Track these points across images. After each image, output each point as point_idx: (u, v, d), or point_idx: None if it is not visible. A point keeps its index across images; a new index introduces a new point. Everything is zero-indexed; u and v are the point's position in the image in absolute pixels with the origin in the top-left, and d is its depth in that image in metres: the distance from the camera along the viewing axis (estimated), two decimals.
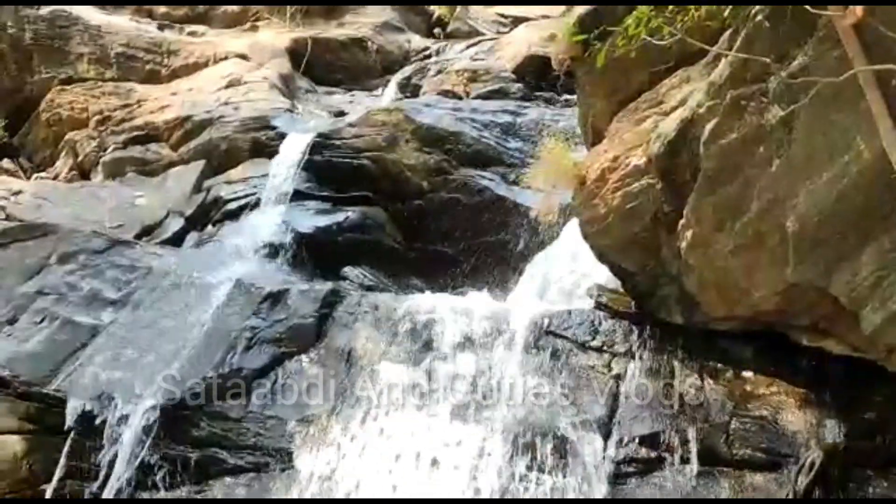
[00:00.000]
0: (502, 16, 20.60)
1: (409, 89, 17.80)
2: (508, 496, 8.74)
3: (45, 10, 17.44)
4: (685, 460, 8.65)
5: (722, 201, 8.02)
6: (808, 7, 6.72)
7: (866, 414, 8.56)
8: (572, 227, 10.55)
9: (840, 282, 7.59)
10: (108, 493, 9.46)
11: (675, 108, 8.48)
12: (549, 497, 8.70)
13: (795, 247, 7.63)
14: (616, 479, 8.74)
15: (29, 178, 16.09)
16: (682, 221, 8.49)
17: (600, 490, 8.70)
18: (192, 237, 13.84)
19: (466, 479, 8.87)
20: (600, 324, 9.86)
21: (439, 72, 17.85)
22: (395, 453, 9.11)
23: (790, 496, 8.17)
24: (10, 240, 11.91)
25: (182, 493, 9.46)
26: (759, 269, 8.11)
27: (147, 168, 15.61)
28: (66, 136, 16.54)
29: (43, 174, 16.35)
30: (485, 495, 8.75)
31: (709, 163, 7.95)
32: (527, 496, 8.76)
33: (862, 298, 7.51)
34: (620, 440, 8.91)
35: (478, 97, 16.47)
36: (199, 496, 9.43)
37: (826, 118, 7.16)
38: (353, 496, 8.95)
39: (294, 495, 9.13)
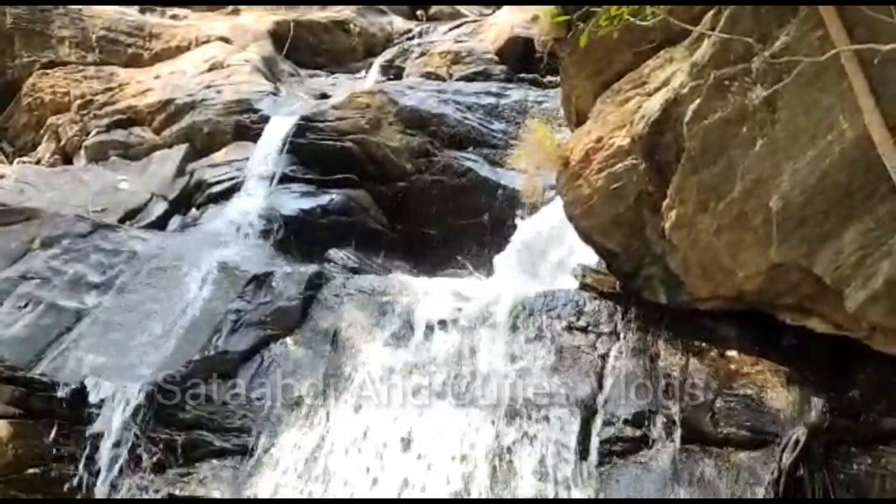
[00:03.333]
0: None
1: (392, 72, 17.78)
2: (495, 476, 8.77)
3: None
4: (670, 439, 8.69)
5: (706, 181, 8.04)
6: None
7: (850, 392, 8.60)
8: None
9: (823, 261, 7.63)
10: (94, 477, 9.46)
11: (658, 89, 8.48)
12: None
13: (779, 226, 7.66)
14: (602, 457, 8.77)
15: (11, 162, 16.02)
16: (666, 202, 8.51)
17: (586, 469, 8.73)
18: (175, 220, 13.82)
19: (453, 459, 8.89)
20: (585, 304, 9.89)
21: (422, 54, 17.84)
22: (381, 433, 9.13)
23: (775, 473, 8.22)
24: None
25: (168, 475, 9.46)
26: (744, 248, 8.14)
27: (130, 152, 15.55)
28: (49, 121, 16.48)
29: (25, 158, 16.28)
30: (471, 475, 8.78)
31: (692, 143, 7.97)
32: (512, 476, 8.80)
33: (845, 277, 7.54)
34: (606, 419, 8.94)
35: (461, 79, 16.49)
36: (185, 479, 9.41)
37: (809, 98, 7.19)
38: (340, 477, 8.97)
39: (280, 476, 9.13)
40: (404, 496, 8.77)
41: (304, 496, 8.97)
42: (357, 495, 8.86)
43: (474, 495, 8.68)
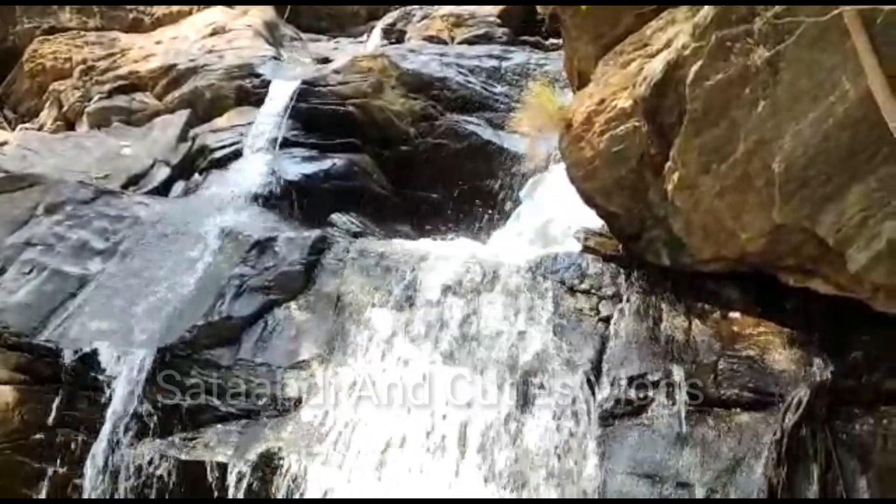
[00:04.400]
0: None
1: (394, 35, 17.78)
2: (498, 439, 8.80)
3: None
4: (673, 401, 8.71)
5: (708, 143, 8.03)
6: None
7: (852, 353, 8.62)
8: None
9: (826, 222, 7.62)
10: (100, 442, 9.50)
11: (660, 51, 8.47)
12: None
13: (782, 188, 7.65)
14: (605, 420, 8.80)
15: (13, 128, 16.03)
16: (668, 164, 8.50)
17: (590, 431, 8.76)
18: (178, 186, 13.82)
19: (457, 423, 8.92)
20: (588, 267, 9.90)
21: (424, 17, 17.82)
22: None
23: (777, 434, 8.24)
24: None
25: (174, 440, 9.49)
26: (746, 210, 8.13)
27: (132, 117, 15.56)
28: (51, 87, 16.48)
29: (28, 125, 16.30)
30: (474, 438, 8.81)
31: (694, 105, 7.95)
32: (516, 439, 8.83)
33: (848, 238, 7.53)
34: (609, 382, 8.95)
35: (463, 42, 16.49)
36: (191, 443, 9.44)
37: (811, 59, 7.16)
38: (343, 441, 8.99)
39: (284, 441, 9.16)
40: (409, 462, 8.83)
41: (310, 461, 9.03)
42: (359, 459, 8.90)
43: (476, 460, 8.72)
